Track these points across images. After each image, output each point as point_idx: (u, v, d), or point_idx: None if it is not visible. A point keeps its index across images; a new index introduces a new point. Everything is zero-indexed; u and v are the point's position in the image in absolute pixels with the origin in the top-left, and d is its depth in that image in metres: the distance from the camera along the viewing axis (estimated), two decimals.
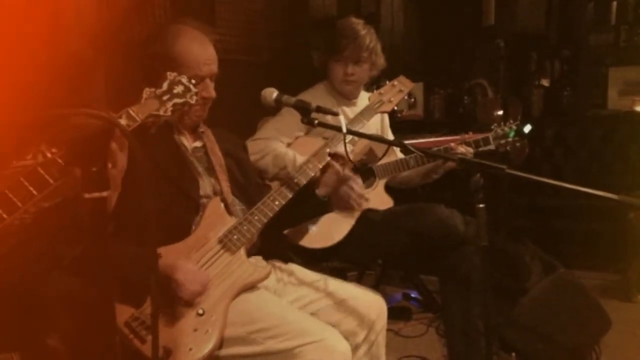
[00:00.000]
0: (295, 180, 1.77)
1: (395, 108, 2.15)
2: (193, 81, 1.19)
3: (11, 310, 1.15)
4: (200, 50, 1.70)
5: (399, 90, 2.11)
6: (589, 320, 2.52)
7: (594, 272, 3.41)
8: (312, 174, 1.81)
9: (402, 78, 2.16)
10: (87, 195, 0.71)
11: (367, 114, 2.08)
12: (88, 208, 0.74)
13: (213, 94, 1.75)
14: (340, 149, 1.81)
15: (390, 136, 2.68)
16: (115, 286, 0.78)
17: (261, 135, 2.36)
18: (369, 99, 2.14)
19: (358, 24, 2.44)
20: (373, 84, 2.89)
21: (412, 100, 2.24)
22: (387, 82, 2.15)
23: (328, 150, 1.84)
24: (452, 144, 2.32)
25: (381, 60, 2.51)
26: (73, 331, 1.16)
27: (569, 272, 2.60)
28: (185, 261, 1.54)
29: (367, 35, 2.42)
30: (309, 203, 1.83)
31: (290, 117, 2.32)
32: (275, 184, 1.79)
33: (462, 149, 2.30)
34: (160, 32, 1.74)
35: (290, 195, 1.74)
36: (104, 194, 0.70)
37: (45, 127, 0.68)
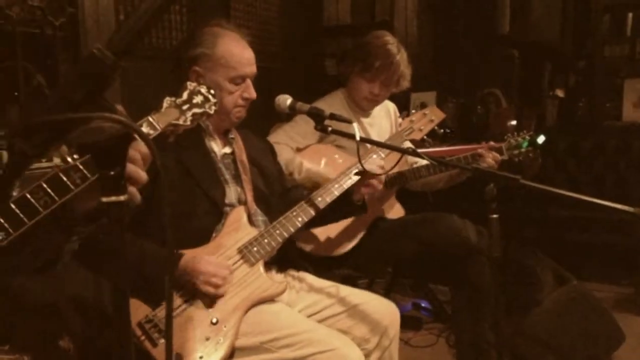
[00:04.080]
0: (320, 199, 1.77)
1: (425, 137, 2.15)
2: (212, 91, 1.19)
3: (23, 311, 1.16)
4: (241, 50, 1.72)
5: (429, 120, 2.10)
6: (602, 333, 2.49)
7: (607, 285, 3.38)
8: (337, 194, 1.81)
9: (433, 108, 2.16)
10: (104, 199, 0.72)
11: (396, 141, 2.08)
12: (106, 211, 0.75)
13: (254, 94, 1.75)
14: (370, 165, 1.82)
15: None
16: (131, 287, 0.78)
17: (272, 139, 2.36)
18: (400, 124, 2.13)
19: (393, 44, 2.42)
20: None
21: (441, 131, 2.23)
22: (418, 110, 2.15)
23: (358, 169, 1.85)
24: (481, 150, 2.30)
25: (406, 83, 2.50)
26: (86, 333, 1.16)
27: (582, 285, 2.58)
28: (203, 253, 1.56)
29: (401, 61, 2.42)
30: (345, 207, 1.87)
31: (303, 124, 2.33)
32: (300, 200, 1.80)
33: (490, 155, 2.28)
34: (197, 35, 1.74)
35: (313, 213, 1.75)
36: (122, 197, 0.71)
37: (66, 130, 0.69)
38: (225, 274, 1.54)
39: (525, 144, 2.33)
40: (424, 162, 2.33)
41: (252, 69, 1.73)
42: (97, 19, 2.29)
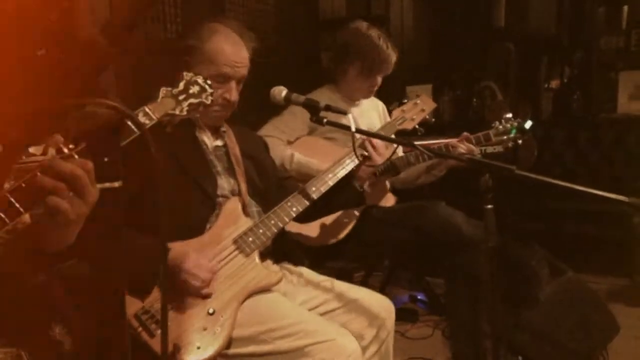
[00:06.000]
0: (314, 189, 1.77)
1: (417, 126, 2.17)
2: (209, 82, 1.19)
3: (16, 303, 1.15)
4: (232, 50, 1.69)
5: (421, 109, 2.12)
6: (597, 324, 2.50)
7: (603, 277, 3.39)
8: (332, 184, 1.81)
9: (424, 97, 2.17)
10: (98, 186, 0.72)
11: (388, 130, 2.09)
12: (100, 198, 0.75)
13: (235, 97, 1.72)
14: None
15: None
16: (126, 277, 0.78)
17: (262, 132, 2.37)
18: (391, 114, 2.15)
19: (379, 38, 2.46)
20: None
21: (433, 120, 2.25)
22: (408, 100, 2.16)
23: (352, 159, 1.86)
24: (454, 142, 2.31)
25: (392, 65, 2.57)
26: (81, 324, 1.16)
27: (578, 276, 2.58)
28: (190, 250, 1.54)
29: (391, 51, 2.47)
30: (345, 193, 1.86)
31: (291, 117, 2.36)
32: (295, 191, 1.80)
33: (463, 147, 2.29)
34: (197, 27, 1.74)
35: (307, 203, 1.75)
36: (116, 184, 0.71)
37: (59, 116, 0.69)
38: (206, 276, 1.52)
39: (513, 131, 2.34)
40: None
41: (237, 71, 1.70)
42: (93, 12, 2.28)
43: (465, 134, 2.35)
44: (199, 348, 1.46)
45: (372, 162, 1.84)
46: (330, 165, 1.87)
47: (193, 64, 1.67)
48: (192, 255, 1.52)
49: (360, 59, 2.44)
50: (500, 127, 2.36)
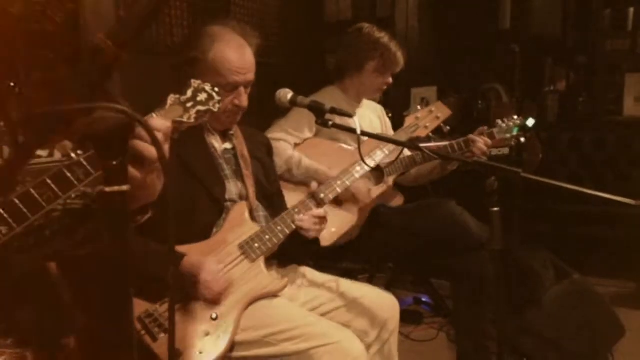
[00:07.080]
0: (322, 196, 1.77)
1: (431, 135, 2.17)
2: (216, 89, 1.19)
3: (26, 306, 1.16)
4: (236, 57, 1.66)
5: (435, 117, 2.12)
6: (602, 327, 2.50)
7: (608, 280, 3.38)
8: (340, 191, 1.81)
9: (439, 104, 2.18)
10: (107, 189, 0.73)
11: (401, 137, 2.09)
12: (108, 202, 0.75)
13: (245, 103, 1.71)
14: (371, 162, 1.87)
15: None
16: (134, 281, 0.79)
17: (269, 135, 2.37)
18: (405, 121, 2.15)
19: (397, 46, 2.51)
20: None
21: (448, 128, 2.26)
22: (422, 107, 2.17)
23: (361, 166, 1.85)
24: (472, 136, 2.32)
25: None
26: (88, 328, 1.17)
27: (583, 279, 2.57)
28: (209, 261, 1.55)
29: (402, 57, 2.53)
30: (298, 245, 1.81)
31: (298, 118, 2.36)
32: (302, 196, 1.79)
33: (481, 140, 2.29)
34: (198, 35, 1.71)
35: (315, 210, 1.74)
36: (124, 187, 0.71)
37: (69, 120, 0.70)
38: (219, 288, 1.53)
39: (515, 129, 2.35)
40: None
41: (244, 77, 1.68)
42: (98, 14, 2.28)
43: (482, 128, 2.36)
44: (200, 353, 1.46)
45: (306, 233, 1.77)
46: (339, 172, 1.87)
47: (197, 75, 1.66)
48: (208, 265, 1.52)
49: (378, 57, 2.48)
50: (504, 125, 2.37)
